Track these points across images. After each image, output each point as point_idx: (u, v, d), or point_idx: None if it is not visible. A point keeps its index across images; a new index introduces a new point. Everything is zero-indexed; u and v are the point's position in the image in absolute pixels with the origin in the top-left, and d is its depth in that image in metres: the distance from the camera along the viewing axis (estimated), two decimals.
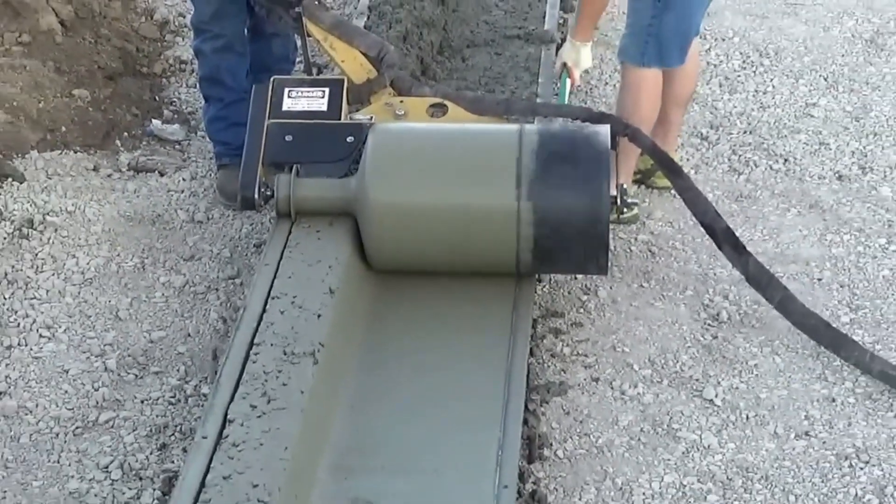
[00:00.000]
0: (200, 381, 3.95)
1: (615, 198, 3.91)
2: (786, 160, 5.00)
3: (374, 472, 3.32)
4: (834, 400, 3.87)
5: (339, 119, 4.18)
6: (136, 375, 4.02)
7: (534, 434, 3.68)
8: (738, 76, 5.57)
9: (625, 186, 4.20)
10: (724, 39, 5.82)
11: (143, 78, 5.57)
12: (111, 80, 5.45)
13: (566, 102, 4.68)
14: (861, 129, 5.18)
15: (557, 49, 5.44)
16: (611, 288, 4.34)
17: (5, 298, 4.28)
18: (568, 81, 4.67)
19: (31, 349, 4.09)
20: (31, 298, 4.30)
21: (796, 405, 3.85)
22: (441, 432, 3.46)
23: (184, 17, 5.90)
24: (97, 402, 3.90)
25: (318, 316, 3.56)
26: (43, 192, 4.76)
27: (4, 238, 4.53)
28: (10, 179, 4.76)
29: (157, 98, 5.49)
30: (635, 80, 4.61)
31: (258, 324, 3.57)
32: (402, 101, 4.34)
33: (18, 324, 4.19)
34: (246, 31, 4.84)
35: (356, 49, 4.45)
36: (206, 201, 4.85)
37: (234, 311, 4.12)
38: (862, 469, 3.62)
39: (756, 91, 5.47)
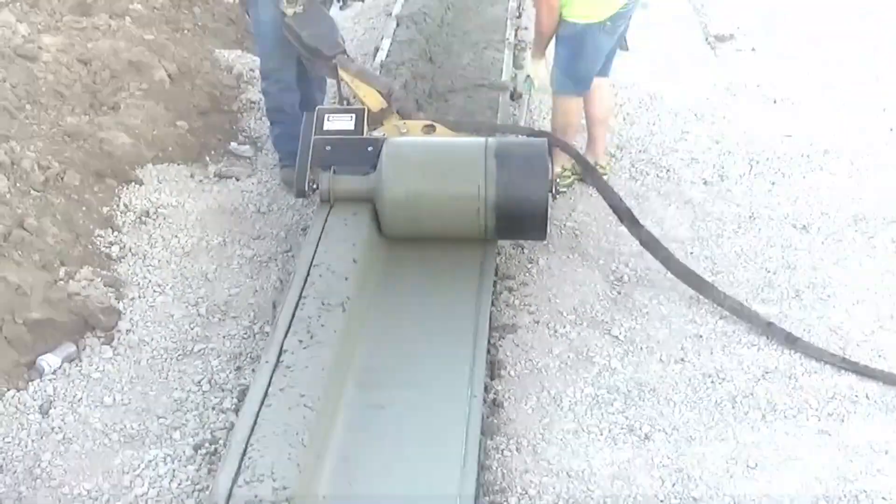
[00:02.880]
0: (264, 324, 3.91)
1: (550, 188, 3.83)
2: (668, 170, 4.94)
3: (383, 386, 3.28)
4: (701, 336, 3.84)
5: (362, 135, 4.10)
6: (220, 319, 3.97)
7: (494, 360, 3.64)
8: (637, 112, 5.52)
9: (557, 180, 4.20)
10: (626, 87, 5.78)
11: (225, 114, 5.46)
12: (203, 115, 5.34)
13: (531, 95, 4.77)
14: (720, 149, 5.13)
15: (511, 94, 5.37)
16: (547, 259, 4.29)
17: (130, 266, 4.21)
18: (534, 84, 4.70)
19: (148, 300, 4.04)
20: (148, 265, 4.24)
21: (675, 339, 3.82)
22: (429, 359, 3.41)
23: (253, 70, 5.79)
24: (192, 338, 3.86)
25: (346, 278, 3.50)
26: (155, 192, 4.68)
27: (130, 224, 4.45)
28: (133, 183, 4.67)
29: (234, 127, 5.39)
30: (562, 103, 4.62)
31: (304, 283, 3.50)
32: (404, 123, 4.25)
33: (139, 283, 4.13)
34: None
35: (373, 88, 4.38)
36: (268, 198, 4.76)
37: (287, 275, 4.05)
38: (720, 384, 3.60)
39: (647, 123, 5.41)
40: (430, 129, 4.25)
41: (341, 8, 5.06)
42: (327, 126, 4.10)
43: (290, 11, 4.45)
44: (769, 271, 4.21)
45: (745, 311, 3.92)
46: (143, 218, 4.50)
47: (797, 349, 3.75)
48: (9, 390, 3.52)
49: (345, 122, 4.12)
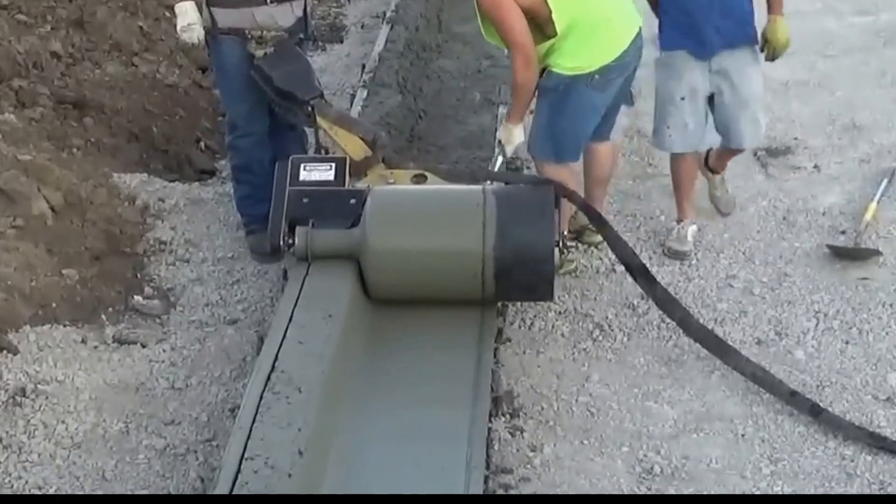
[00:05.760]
0: None
1: (558, 241, 4.46)
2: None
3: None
4: None
5: (344, 186, 4.76)
6: None
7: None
8: None
9: (564, 233, 4.85)
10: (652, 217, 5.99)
11: (127, 257, 5.61)
12: (97, 259, 5.49)
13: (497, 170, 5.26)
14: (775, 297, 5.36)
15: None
16: (554, 445, 4.40)
17: (0, 462, 4.28)
18: (505, 152, 5.20)
19: None
20: (24, 462, 4.30)
21: None
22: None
23: (163, 201, 6.04)
24: None
25: (289, 475, 3.59)
26: (34, 362, 4.78)
27: (0, 406, 4.53)
28: (4, 351, 4.77)
29: (138, 276, 5.54)
30: (542, 171, 5.15)
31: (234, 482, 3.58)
32: (392, 173, 4.99)
33: (12, 485, 4.18)
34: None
35: (356, 135, 5.06)
36: (185, 370, 4.89)
37: (212, 471, 4.10)
38: None
39: (680, 263, 5.63)
40: (420, 179, 4.92)
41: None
42: (304, 176, 4.78)
43: (259, 53, 5.21)
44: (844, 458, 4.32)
45: (767, 378, 4.57)
46: (18, 398, 4.58)
47: (821, 422, 4.39)
48: None
49: (324, 173, 4.82)
